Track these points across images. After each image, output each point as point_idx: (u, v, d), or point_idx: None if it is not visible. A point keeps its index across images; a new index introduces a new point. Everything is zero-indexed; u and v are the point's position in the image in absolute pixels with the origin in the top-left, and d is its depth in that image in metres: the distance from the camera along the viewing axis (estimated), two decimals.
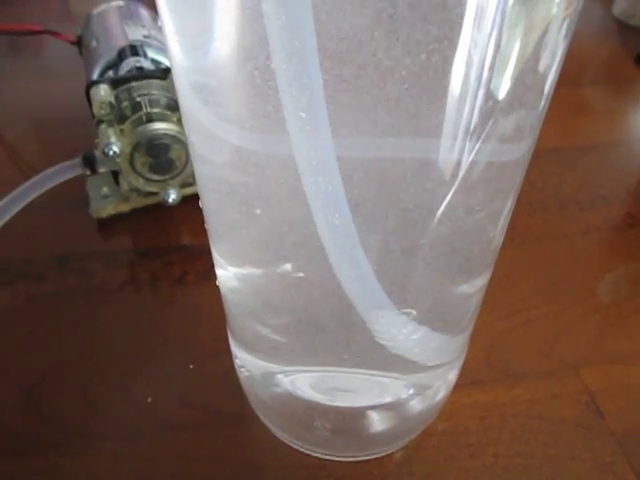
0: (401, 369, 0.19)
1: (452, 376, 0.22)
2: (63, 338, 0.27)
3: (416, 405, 0.21)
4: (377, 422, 0.21)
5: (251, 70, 0.12)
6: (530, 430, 0.23)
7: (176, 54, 0.14)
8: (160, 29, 0.34)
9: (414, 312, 0.16)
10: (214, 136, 0.14)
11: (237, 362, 0.23)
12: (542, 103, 0.14)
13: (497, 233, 0.17)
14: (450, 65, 0.11)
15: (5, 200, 0.27)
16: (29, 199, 0.27)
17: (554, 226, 0.32)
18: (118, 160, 0.29)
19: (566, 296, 0.29)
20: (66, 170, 0.28)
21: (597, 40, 0.51)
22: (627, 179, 0.36)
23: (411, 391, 0.21)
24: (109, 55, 0.30)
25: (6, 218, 0.26)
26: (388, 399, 0.21)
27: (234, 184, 0.15)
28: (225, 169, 0.15)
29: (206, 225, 0.18)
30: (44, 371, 0.25)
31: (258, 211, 0.15)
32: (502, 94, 0.12)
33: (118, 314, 0.28)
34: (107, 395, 0.25)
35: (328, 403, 0.20)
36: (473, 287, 0.18)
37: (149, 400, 0.24)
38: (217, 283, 0.21)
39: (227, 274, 0.19)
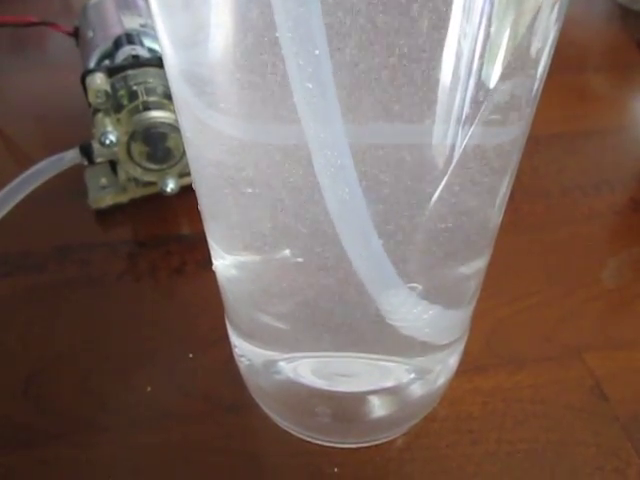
0: (402, 352, 0.19)
1: (453, 361, 0.22)
2: (62, 328, 0.27)
3: (417, 390, 0.21)
4: (378, 407, 0.21)
5: (242, 59, 0.12)
6: (533, 415, 0.23)
7: (167, 44, 0.14)
8: None
9: (420, 287, 0.16)
10: (205, 123, 0.14)
11: (236, 351, 0.23)
12: (535, 86, 0.14)
13: (494, 212, 0.17)
14: (442, 53, 0.11)
15: (3, 192, 0.27)
16: (27, 190, 0.27)
17: (557, 212, 0.32)
18: (115, 149, 0.28)
19: (569, 281, 0.29)
20: (63, 160, 0.28)
21: (600, 25, 0.50)
22: (630, 164, 0.36)
23: (412, 375, 0.20)
24: (105, 44, 0.30)
25: (5, 210, 0.26)
26: (389, 383, 0.21)
27: (227, 169, 0.15)
28: (217, 155, 0.15)
29: (200, 208, 0.18)
30: (43, 361, 0.25)
31: (254, 196, 0.15)
32: (495, 79, 0.12)
33: (117, 304, 0.28)
34: (106, 385, 0.25)
35: (329, 388, 0.20)
36: (473, 267, 0.18)
37: (149, 389, 0.24)
38: (213, 268, 0.21)
39: (224, 262, 0.19)
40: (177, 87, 0.15)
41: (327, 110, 0.12)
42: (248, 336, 0.21)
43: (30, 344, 0.26)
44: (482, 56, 0.12)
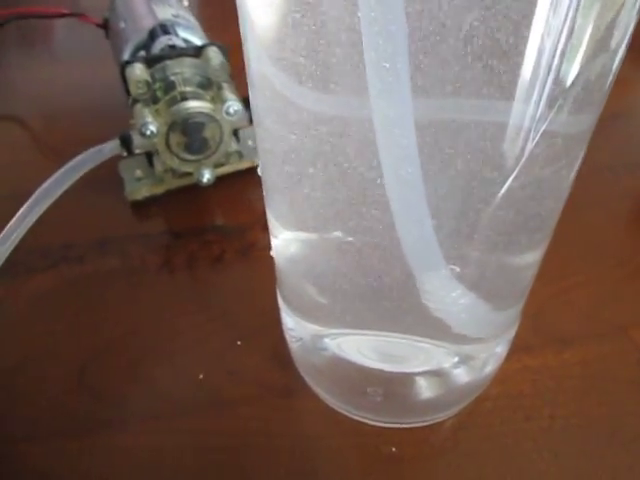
0: (444, 337, 0.19)
1: (500, 349, 0.22)
2: (109, 319, 0.27)
3: (463, 374, 0.21)
4: (426, 389, 0.21)
5: (329, 31, 0.12)
6: (584, 390, 0.23)
7: (253, 20, 0.14)
8: (187, 9, 0.34)
9: (458, 270, 0.16)
10: (286, 100, 0.14)
11: (292, 334, 0.23)
12: (611, 77, 0.14)
13: (558, 202, 0.17)
14: (525, 45, 0.11)
15: (46, 184, 0.27)
16: (69, 182, 0.27)
17: (590, 192, 0.32)
18: (154, 140, 0.28)
19: (607, 260, 0.29)
20: (103, 152, 0.28)
21: None
22: None
23: (455, 359, 0.21)
24: (139, 35, 0.30)
25: (48, 202, 0.26)
26: (434, 366, 0.21)
27: (296, 147, 0.15)
28: (288, 132, 0.15)
29: (264, 186, 0.18)
30: (94, 351, 0.26)
31: (318, 173, 0.15)
32: (573, 72, 0.12)
33: (161, 294, 0.28)
34: (158, 373, 0.25)
35: (375, 366, 0.20)
36: (529, 259, 0.18)
37: (200, 377, 0.24)
38: (272, 254, 0.21)
39: (283, 237, 0.19)
40: (257, 63, 0.15)
41: (399, 90, 0.12)
42: (300, 312, 0.21)
43: (80, 334, 0.26)
44: (564, 49, 0.12)
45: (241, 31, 0.15)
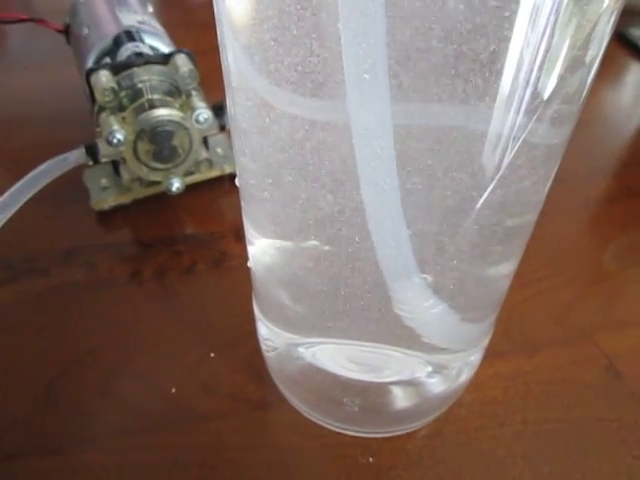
0: (417, 347, 0.19)
1: (474, 358, 0.22)
2: (77, 333, 0.26)
3: (438, 383, 0.21)
4: (402, 398, 0.22)
5: (310, 35, 0.12)
6: (555, 396, 0.24)
7: (232, 19, 0.14)
8: (152, 15, 0.33)
9: (431, 280, 0.17)
10: (266, 108, 0.14)
11: (267, 343, 0.23)
12: (585, 90, 0.14)
13: (534, 215, 0.17)
14: (505, 57, 0.12)
15: (7, 195, 0.26)
16: (31, 193, 0.26)
17: (555, 200, 0.33)
18: (122, 149, 0.28)
19: (573, 266, 0.30)
20: (67, 161, 0.27)
21: None
22: (618, 152, 0.37)
23: (429, 369, 0.21)
24: (104, 42, 0.29)
25: (10, 213, 0.25)
26: (407, 376, 0.21)
27: (273, 154, 0.15)
28: (271, 141, 0.15)
29: (241, 194, 0.18)
30: (61, 367, 0.25)
31: (299, 181, 0.15)
32: (550, 86, 0.13)
33: (130, 306, 0.27)
34: (129, 388, 0.24)
35: (349, 376, 0.20)
36: (503, 270, 0.19)
37: (173, 391, 0.24)
38: (249, 264, 0.21)
39: (261, 246, 0.19)
40: (237, 69, 0.15)
41: (378, 102, 0.12)
42: (275, 321, 0.21)
43: (46, 349, 0.25)
44: (542, 62, 0.12)
45: (219, 37, 0.15)
